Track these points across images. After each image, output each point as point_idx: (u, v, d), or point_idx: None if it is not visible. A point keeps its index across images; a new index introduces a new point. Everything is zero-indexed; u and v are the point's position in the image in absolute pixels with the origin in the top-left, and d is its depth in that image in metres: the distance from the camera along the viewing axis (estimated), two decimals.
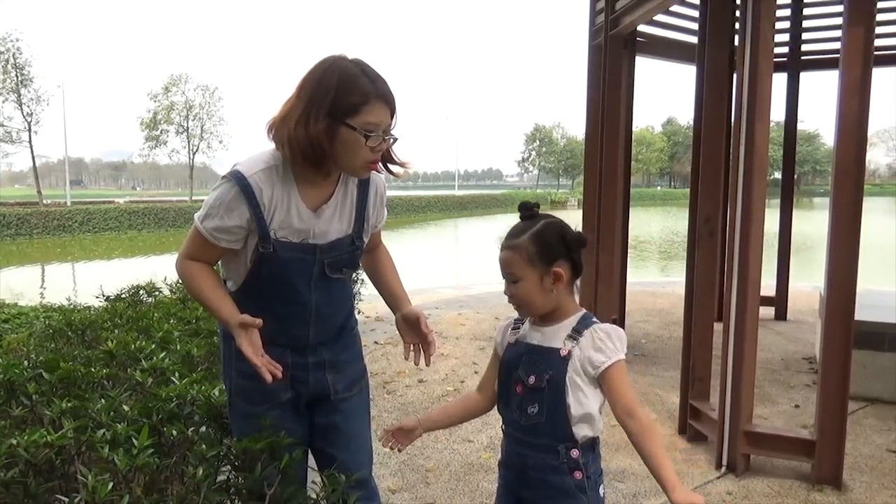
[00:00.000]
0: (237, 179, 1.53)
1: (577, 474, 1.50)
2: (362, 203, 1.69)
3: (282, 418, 1.68)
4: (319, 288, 1.66)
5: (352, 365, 1.80)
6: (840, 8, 3.95)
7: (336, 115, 1.48)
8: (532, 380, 1.51)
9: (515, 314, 1.62)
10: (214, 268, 1.69)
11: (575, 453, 1.50)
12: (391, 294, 1.87)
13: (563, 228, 1.52)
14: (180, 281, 1.67)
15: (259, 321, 1.53)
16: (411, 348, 1.79)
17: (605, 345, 1.47)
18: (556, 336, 1.52)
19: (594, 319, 1.53)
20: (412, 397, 4.22)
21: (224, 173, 1.58)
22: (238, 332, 1.53)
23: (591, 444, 1.54)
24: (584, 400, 1.48)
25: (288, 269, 1.60)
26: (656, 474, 1.42)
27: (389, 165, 1.67)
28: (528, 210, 1.54)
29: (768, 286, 5.49)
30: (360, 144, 1.50)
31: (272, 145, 1.59)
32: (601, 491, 1.56)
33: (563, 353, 1.49)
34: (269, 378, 1.51)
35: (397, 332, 1.84)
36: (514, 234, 1.53)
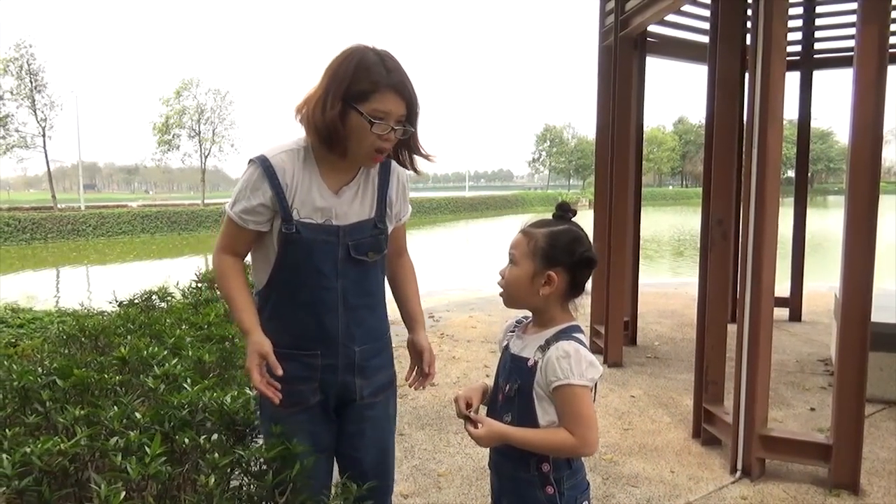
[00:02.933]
0: (260, 161, 1.61)
1: (549, 489, 1.46)
2: (384, 188, 1.74)
3: (311, 422, 1.70)
4: (346, 273, 1.67)
5: (381, 371, 1.81)
6: (854, 6, 3.91)
7: (348, 100, 1.54)
8: (507, 388, 1.50)
9: (522, 315, 1.62)
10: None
11: (546, 467, 1.46)
12: (408, 314, 1.91)
13: (578, 241, 1.48)
14: (214, 276, 1.73)
15: (280, 372, 1.56)
16: (414, 370, 1.87)
17: (560, 364, 1.40)
18: (532, 345, 1.49)
19: (574, 334, 1.47)
20: (424, 401, 4.22)
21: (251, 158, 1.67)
22: (253, 355, 1.57)
23: (566, 459, 1.48)
24: (549, 409, 1.44)
25: (313, 252, 1.63)
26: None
27: (413, 157, 1.73)
28: (562, 210, 1.52)
29: (782, 287, 5.44)
30: (366, 131, 1.55)
31: (296, 136, 1.66)
32: None
33: (530, 363, 1.46)
34: (276, 400, 1.55)
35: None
36: (536, 224, 1.53)
